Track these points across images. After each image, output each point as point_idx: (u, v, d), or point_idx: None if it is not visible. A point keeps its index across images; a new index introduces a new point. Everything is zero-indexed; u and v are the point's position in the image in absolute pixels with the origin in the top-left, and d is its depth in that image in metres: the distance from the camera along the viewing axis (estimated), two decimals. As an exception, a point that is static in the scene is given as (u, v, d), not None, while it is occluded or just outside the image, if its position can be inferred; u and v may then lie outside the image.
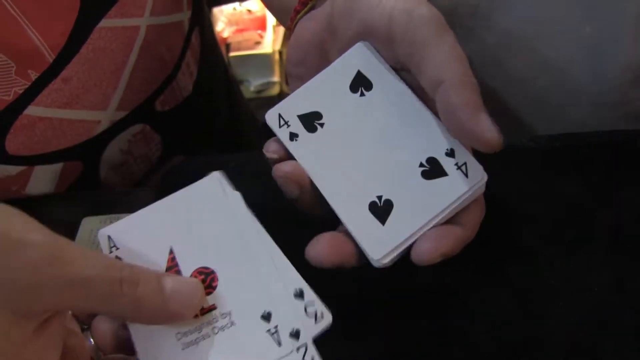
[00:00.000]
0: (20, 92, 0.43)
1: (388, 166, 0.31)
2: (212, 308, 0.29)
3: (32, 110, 0.45)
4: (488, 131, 0.28)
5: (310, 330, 0.28)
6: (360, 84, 0.32)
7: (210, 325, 0.29)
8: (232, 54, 1.63)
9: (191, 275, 0.30)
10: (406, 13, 0.30)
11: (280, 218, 0.31)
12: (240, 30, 1.71)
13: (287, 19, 0.38)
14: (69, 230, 0.44)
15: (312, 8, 0.36)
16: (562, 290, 0.36)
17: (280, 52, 1.71)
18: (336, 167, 0.31)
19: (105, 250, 0.31)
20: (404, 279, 0.36)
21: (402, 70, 0.32)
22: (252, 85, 1.63)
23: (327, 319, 0.28)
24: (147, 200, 0.34)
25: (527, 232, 0.39)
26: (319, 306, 0.29)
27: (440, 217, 0.29)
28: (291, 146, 0.32)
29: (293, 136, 0.32)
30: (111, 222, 0.33)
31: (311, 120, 0.32)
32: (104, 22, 0.45)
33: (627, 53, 0.50)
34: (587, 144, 0.44)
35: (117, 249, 0.31)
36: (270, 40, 1.71)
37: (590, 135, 0.45)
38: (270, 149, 0.33)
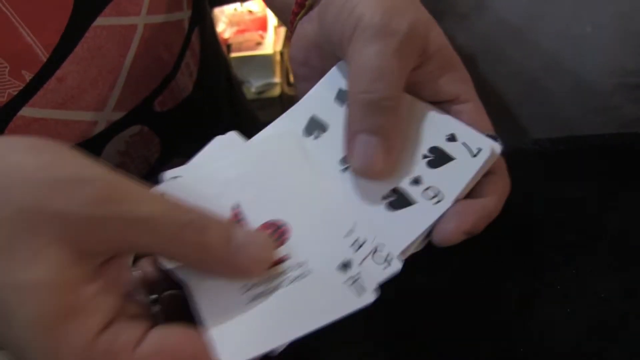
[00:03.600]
0: (14, 93, 0.42)
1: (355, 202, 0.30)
2: (281, 261, 0.28)
3: (26, 111, 0.44)
4: (354, 159, 0.29)
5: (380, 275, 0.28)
6: (315, 127, 0.32)
7: (280, 277, 0.28)
8: (233, 54, 1.62)
9: (259, 229, 0.29)
10: (354, 22, 0.30)
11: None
12: (241, 31, 1.71)
13: (287, 20, 0.38)
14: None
15: (311, 9, 0.35)
16: (568, 295, 0.36)
17: (282, 53, 1.71)
18: None
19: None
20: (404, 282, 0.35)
21: None
22: (253, 86, 1.63)
23: (396, 266, 0.28)
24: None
25: (532, 237, 0.38)
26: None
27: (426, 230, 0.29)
28: None
29: None
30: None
31: None
32: (100, 20, 0.44)
33: (612, 56, 0.50)
34: (592, 147, 0.44)
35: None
36: (272, 41, 1.71)
37: (594, 138, 0.45)
38: None
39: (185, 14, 0.53)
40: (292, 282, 0.27)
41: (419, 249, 0.29)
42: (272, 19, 1.77)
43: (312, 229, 0.29)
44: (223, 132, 0.64)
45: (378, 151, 0.29)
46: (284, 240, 0.29)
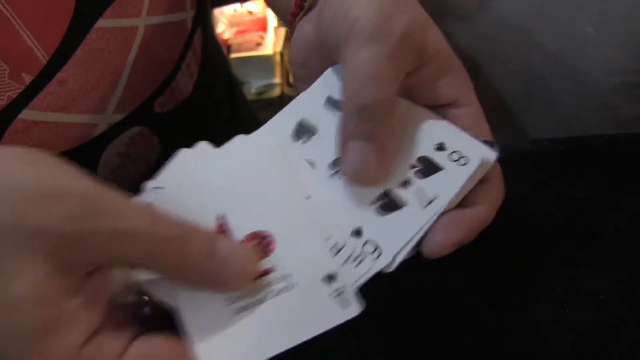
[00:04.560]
0: (14, 96, 0.42)
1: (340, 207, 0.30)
2: (266, 273, 0.28)
3: (27, 114, 0.44)
4: (345, 166, 0.29)
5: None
6: (304, 131, 0.32)
7: (265, 289, 0.27)
8: (233, 55, 1.63)
9: (244, 241, 0.29)
10: (349, 25, 0.29)
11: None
12: (241, 32, 1.72)
13: (287, 21, 0.38)
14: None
15: (310, 10, 0.35)
16: (566, 296, 0.36)
17: (282, 54, 1.71)
18: None
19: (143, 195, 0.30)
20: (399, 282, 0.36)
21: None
22: (253, 87, 1.64)
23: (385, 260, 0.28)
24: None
25: (531, 238, 0.38)
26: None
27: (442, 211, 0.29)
28: None
29: None
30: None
31: None
32: (101, 23, 0.44)
33: (613, 56, 0.50)
34: (591, 148, 0.44)
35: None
36: (272, 41, 1.71)
37: (593, 139, 0.45)
38: None
39: (188, 14, 0.52)
40: (277, 294, 0.27)
41: (409, 257, 0.29)
42: (272, 20, 1.77)
43: (296, 239, 0.29)
44: (223, 133, 0.64)
45: (370, 157, 0.29)
46: (269, 252, 0.28)
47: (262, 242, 0.29)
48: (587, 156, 0.43)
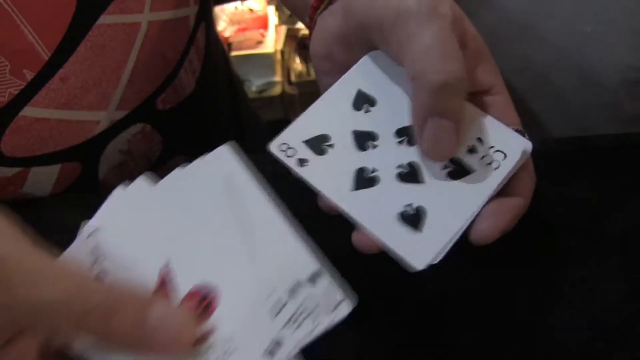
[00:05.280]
0: (16, 92, 0.42)
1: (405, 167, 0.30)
2: (208, 334, 0.26)
3: (28, 111, 0.44)
4: (425, 142, 0.29)
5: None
6: (364, 101, 0.33)
7: (204, 354, 0.26)
8: (233, 53, 1.63)
9: (186, 297, 0.27)
10: (394, 10, 0.29)
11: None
12: (242, 30, 1.72)
13: (304, 14, 0.37)
14: (70, 234, 0.43)
15: (330, 3, 0.35)
16: (574, 297, 0.35)
17: (282, 52, 1.71)
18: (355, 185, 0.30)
19: (83, 242, 0.28)
20: (410, 287, 0.35)
21: None
22: (253, 85, 1.64)
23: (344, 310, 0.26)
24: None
25: (537, 238, 0.38)
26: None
27: (481, 208, 0.29)
28: (302, 172, 0.31)
29: (302, 162, 0.31)
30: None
31: (319, 144, 0.32)
32: (103, 19, 0.44)
33: (617, 52, 0.50)
34: (597, 148, 0.43)
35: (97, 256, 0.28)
36: (272, 39, 1.71)
37: (599, 138, 0.45)
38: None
39: (191, 10, 0.52)
40: None
41: (441, 258, 0.28)
42: (272, 18, 1.77)
43: (241, 296, 0.27)
44: (224, 130, 0.64)
45: (450, 134, 0.29)
46: (211, 311, 0.27)
47: (203, 302, 0.27)
48: (593, 156, 0.43)
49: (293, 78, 1.66)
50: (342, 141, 0.32)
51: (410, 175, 0.30)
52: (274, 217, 0.28)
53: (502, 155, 0.30)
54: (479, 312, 0.36)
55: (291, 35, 1.75)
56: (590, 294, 0.36)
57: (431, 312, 0.36)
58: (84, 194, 0.52)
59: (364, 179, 0.30)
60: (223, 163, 0.30)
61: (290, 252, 0.27)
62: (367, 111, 0.32)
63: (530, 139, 0.30)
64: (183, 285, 0.27)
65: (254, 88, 1.63)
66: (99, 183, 0.53)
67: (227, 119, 0.66)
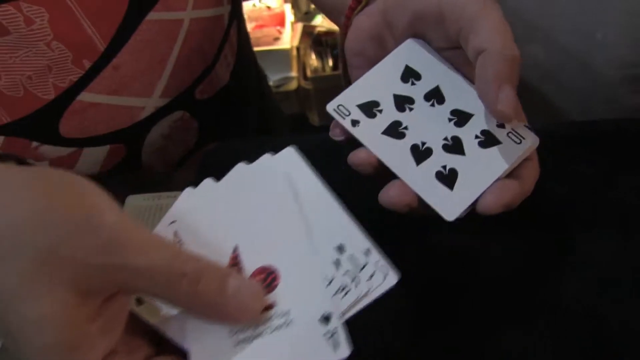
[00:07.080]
0: (75, 79, 0.47)
1: (448, 140, 0.35)
2: (270, 307, 0.29)
3: (84, 96, 0.48)
4: (501, 104, 0.32)
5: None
6: (410, 75, 0.37)
7: (265, 324, 0.29)
8: (251, 49, 1.65)
9: (253, 274, 0.30)
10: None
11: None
12: (260, 26, 1.75)
13: (339, 16, 0.41)
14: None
15: (366, 5, 0.39)
16: (576, 265, 0.39)
17: (298, 48, 1.74)
18: (399, 145, 0.35)
19: (165, 227, 0.32)
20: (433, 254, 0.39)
21: (454, 49, 0.36)
22: (270, 80, 1.66)
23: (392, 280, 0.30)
24: (186, 180, 0.37)
25: (552, 214, 0.42)
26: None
27: (500, 177, 0.33)
28: (355, 131, 0.35)
29: (355, 122, 0.36)
30: (153, 200, 0.33)
31: (370, 108, 0.36)
32: (151, 15, 0.48)
33: (618, 50, 0.53)
34: (599, 132, 0.47)
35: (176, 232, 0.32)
36: (289, 36, 1.74)
37: (601, 123, 0.49)
38: (336, 134, 0.36)
39: (225, 9, 0.57)
40: (274, 330, 0.29)
41: (463, 215, 0.33)
42: (289, 15, 1.80)
43: (298, 276, 0.30)
44: (253, 119, 0.68)
45: (516, 101, 0.32)
46: (274, 287, 0.30)
47: (268, 278, 0.30)
48: (595, 139, 0.47)
49: (309, 73, 1.69)
50: (390, 107, 0.36)
51: (454, 147, 0.35)
52: (332, 205, 0.32)
53: (521, 137, 0.34)
54: (492, 284, 0.39)
55: (307, 32, 1.77)
56: (590, 263, 0.40)
57: (446, 284, 0.40)
58: (128, 173, 0.57)
59: (419, 152, 0.35)
60: (287, 162, 0.34)
61: (345, 232, 0.31)
62: (412, 84, 0.37)
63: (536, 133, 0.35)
64: (249, 267, 0.31)
65: (271, 83, 1.65)
66: (141, 164, 0.58)
67: (256, 109, 0.71)
